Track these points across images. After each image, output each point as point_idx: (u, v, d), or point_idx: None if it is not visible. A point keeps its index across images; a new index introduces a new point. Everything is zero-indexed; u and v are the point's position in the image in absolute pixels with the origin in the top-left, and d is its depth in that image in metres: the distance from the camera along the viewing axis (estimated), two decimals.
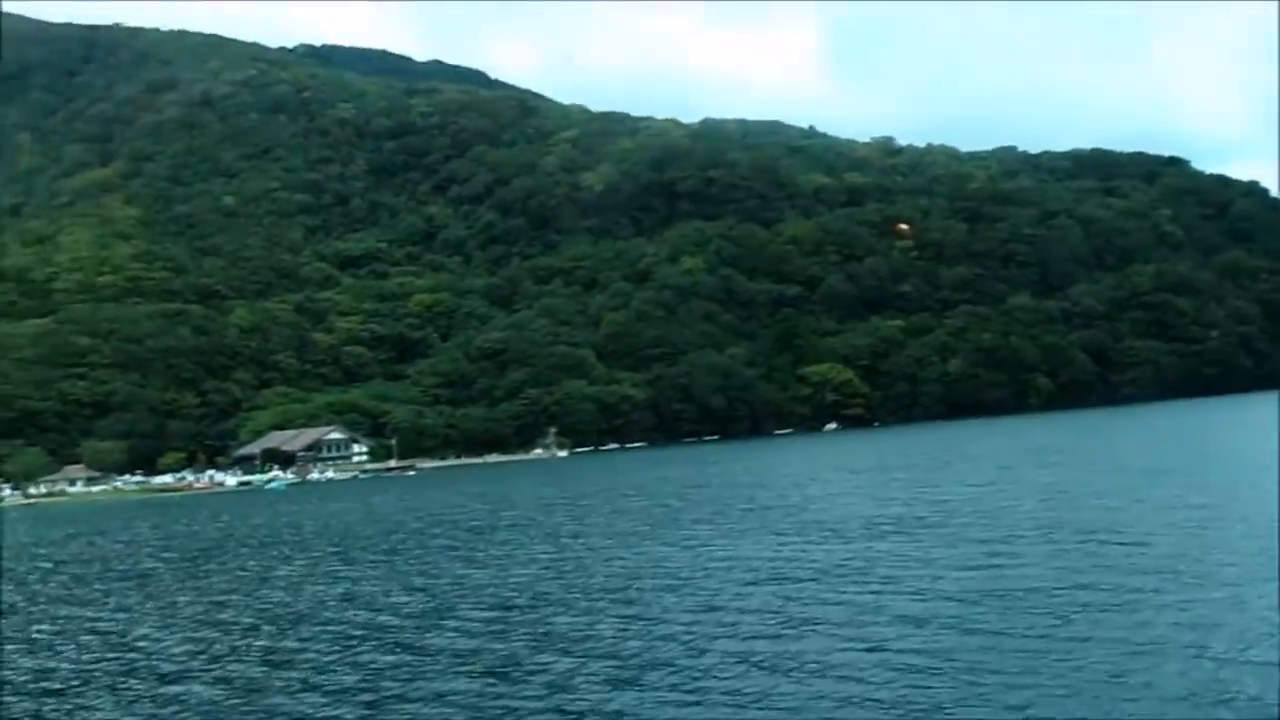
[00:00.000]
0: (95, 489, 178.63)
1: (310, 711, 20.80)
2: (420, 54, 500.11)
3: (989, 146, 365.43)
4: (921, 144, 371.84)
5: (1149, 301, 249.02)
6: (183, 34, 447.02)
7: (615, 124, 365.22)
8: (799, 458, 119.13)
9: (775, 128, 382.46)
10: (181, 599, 38.55)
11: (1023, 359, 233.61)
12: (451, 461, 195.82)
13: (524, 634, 26.50)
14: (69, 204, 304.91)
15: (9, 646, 30.62)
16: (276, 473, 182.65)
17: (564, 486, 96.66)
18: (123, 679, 25.18)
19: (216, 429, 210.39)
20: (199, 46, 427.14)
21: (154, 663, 26.83)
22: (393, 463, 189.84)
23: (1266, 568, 26.54)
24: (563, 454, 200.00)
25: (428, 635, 27.45)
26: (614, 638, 25.32)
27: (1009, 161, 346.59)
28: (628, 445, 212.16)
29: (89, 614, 36.66)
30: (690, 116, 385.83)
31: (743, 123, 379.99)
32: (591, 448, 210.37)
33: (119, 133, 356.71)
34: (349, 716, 20.38)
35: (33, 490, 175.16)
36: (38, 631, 33.44)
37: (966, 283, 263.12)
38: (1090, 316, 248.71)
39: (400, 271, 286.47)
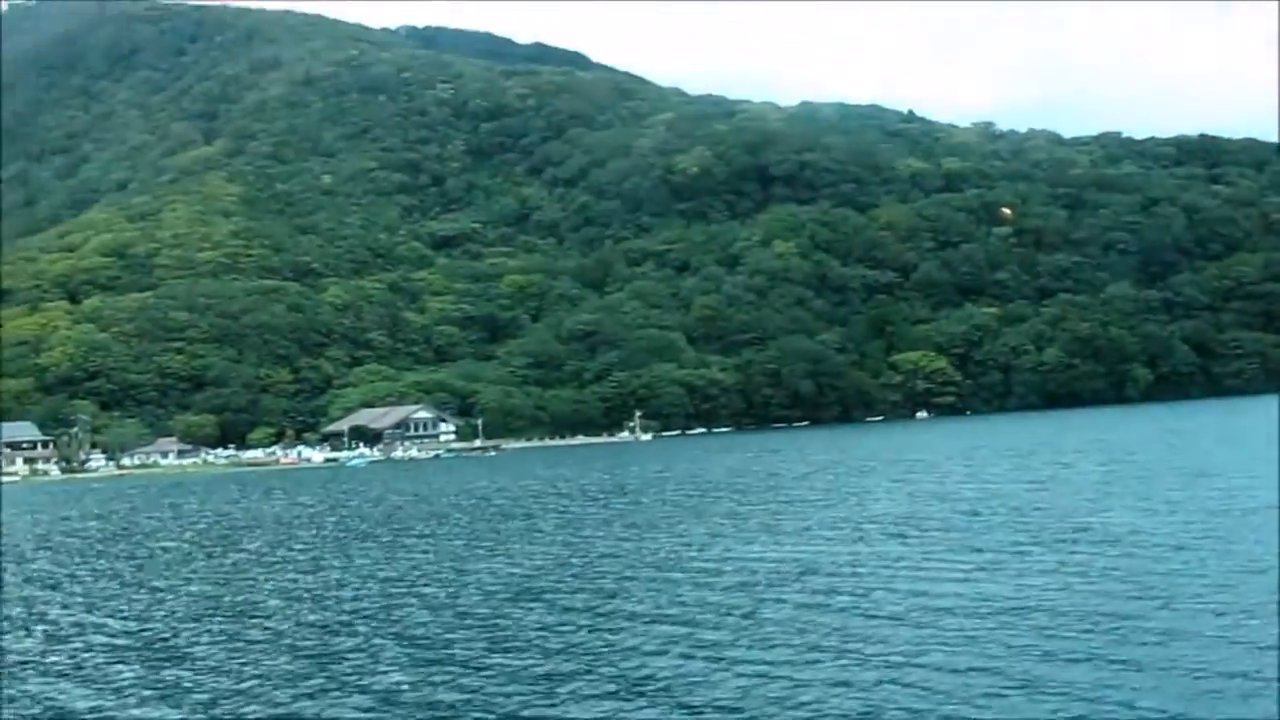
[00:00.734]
0: (185, 461, 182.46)
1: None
2: (523, 37, 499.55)
3: (1092, 132, 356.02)
4: (1023, 129, 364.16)
5: (1255, 292, 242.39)
6: (287, 14, 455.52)
7: (712, 107, 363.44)
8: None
9: (874, 111, 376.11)
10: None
11: (1121, 349, 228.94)
12: (536, 443, 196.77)
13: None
14: (173, 181, 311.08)
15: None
16: (361, 450, 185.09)
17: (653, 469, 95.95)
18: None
19: (309, 406, 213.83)
20: (303, 26, 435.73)
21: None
22: (478, 442, 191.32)
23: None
24: (646, 437, 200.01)
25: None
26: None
27: (1112, 147, 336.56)
28: (714, 430, 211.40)
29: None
30: (789, 100, 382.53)
31: (841, 106, 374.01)
32: (679, 431, 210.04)
33: (223, 111, 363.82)
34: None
35: (125, 461, 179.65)
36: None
37: (1065, 271, 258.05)
38: (1192, 307, 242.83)
39: (493, 252, 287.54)
